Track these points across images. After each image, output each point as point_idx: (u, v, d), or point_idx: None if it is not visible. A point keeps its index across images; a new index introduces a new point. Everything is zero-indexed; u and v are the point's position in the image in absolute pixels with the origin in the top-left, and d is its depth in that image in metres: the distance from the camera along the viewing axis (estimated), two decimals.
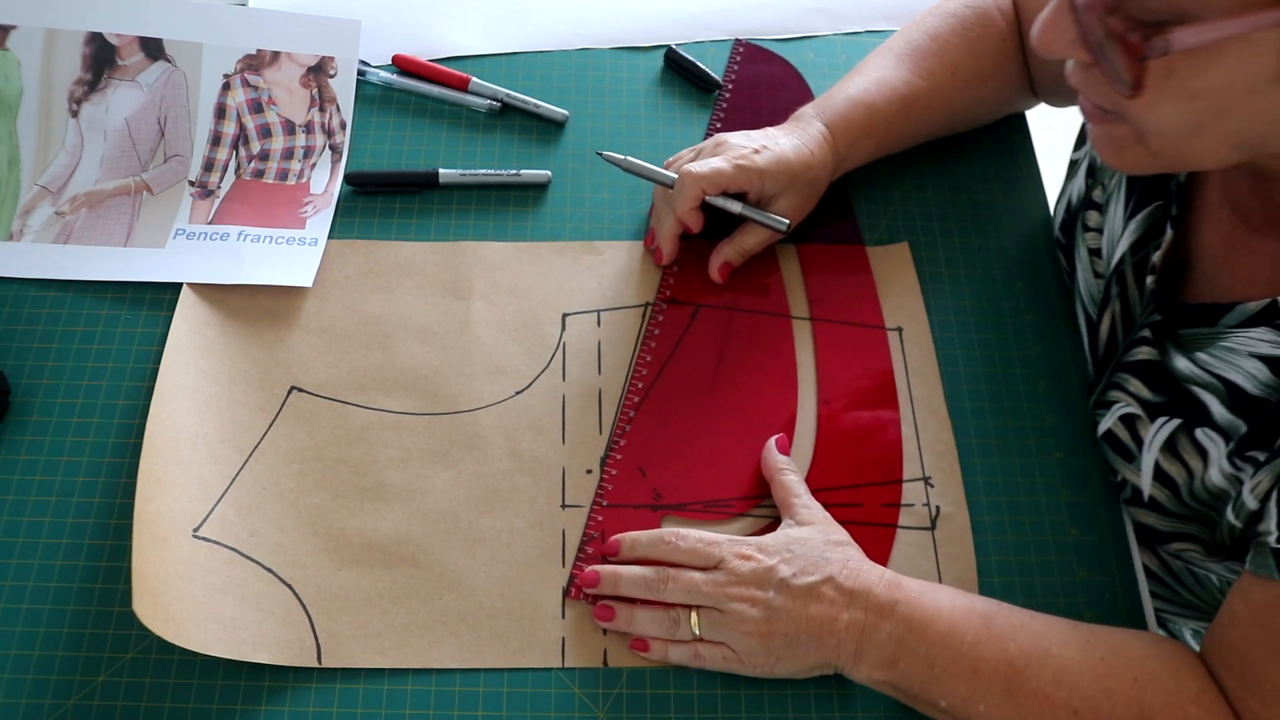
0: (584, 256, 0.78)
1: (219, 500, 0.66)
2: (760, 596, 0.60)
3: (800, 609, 0.59)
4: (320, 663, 0.62)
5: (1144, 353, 0.62)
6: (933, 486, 0.69)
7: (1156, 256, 0.62)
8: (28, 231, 0.77)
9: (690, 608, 0.61)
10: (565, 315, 0.75)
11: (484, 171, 0.81)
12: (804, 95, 0.87)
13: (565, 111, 0.85)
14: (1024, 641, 0.58)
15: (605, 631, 0.63)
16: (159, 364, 0.70)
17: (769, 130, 0.76)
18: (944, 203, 0.82)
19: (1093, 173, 0.71)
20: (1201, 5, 0.45)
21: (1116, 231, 0.66)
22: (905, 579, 0.61)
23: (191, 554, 0.63)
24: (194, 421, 0.68)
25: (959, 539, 0.67)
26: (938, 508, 0.68)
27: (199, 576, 0.62)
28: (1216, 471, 0.57)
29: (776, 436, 0.69)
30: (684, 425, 0.71)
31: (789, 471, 0.67)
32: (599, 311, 0.75)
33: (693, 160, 0.75)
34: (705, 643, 0.61)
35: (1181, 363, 0.58)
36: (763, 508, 0.68)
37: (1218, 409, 0.56)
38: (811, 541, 0.62)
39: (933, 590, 0.60)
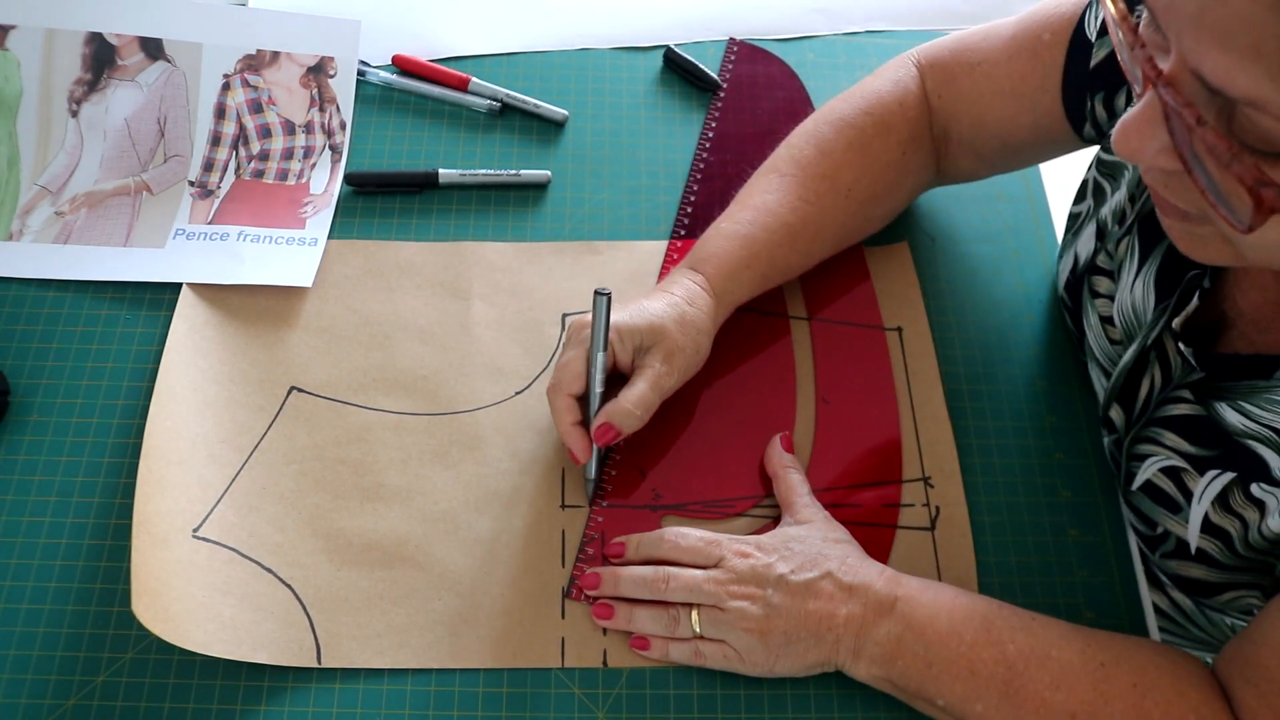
0: (584, 256, 0.78)
1: (219, 500, 0.66)
2: (759, 594, 0.60)
3: (799, 605, 0.59)
4: (320, 663, 0.62)
5: (1183, 408, 0.60)
6: (933, 486, 0.69)
7: (1177, 322, 0.60)
8: (28, 231, 0.77)
9: (691, 606, 0.61)
10: (565, 315, 0.75)
11: (484, 171, 0.81)
12: (800, 95, 0.87)
13: (565, 111, 0.85)
14: (1023, 643, 0.57)
15: (605, 631, 0.63)
16: (159, 364, 0.70)
17: (639, 301, 0.68)
18: (944, 202, 0.82)
19: (1101, 235, 0.68)
20: None
21: (1137, 299, 0.64)
22: (905, 576, 0.61)
23: (191, 554, 0.63)
24: (194, 421, 0.68)
25: (959, 539, 0.67)
26: (938, 508, 0.68)
27: (199, 577, 0.62)
28: (1276, 518, 0.55)
29: (782, 434, 0.69)
30: (684, 425, 0.71)
31: (793, 470, 0.67)
32: None
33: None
34: (705, 640, 0.61)
35: (1231, 416, 0.57)
36: (762, 507, 0.68)
37: (1277, 463, 0.54)
38: (810, 539, 0.62)
39: (933, 588, 0.60)
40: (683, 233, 0.79)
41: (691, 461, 0.70)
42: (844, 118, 0.72)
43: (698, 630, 0.61)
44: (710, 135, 0.84)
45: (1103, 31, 0.64)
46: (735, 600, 0.60)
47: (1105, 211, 0.67)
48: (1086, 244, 0.69)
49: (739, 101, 0.86)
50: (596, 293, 0.63)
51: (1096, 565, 0.67)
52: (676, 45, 0.89)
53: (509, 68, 0.88)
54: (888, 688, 0.60)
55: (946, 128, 0.73)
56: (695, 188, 0.81)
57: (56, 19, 0.81)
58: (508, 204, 0.81)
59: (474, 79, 0.85)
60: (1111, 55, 0.63)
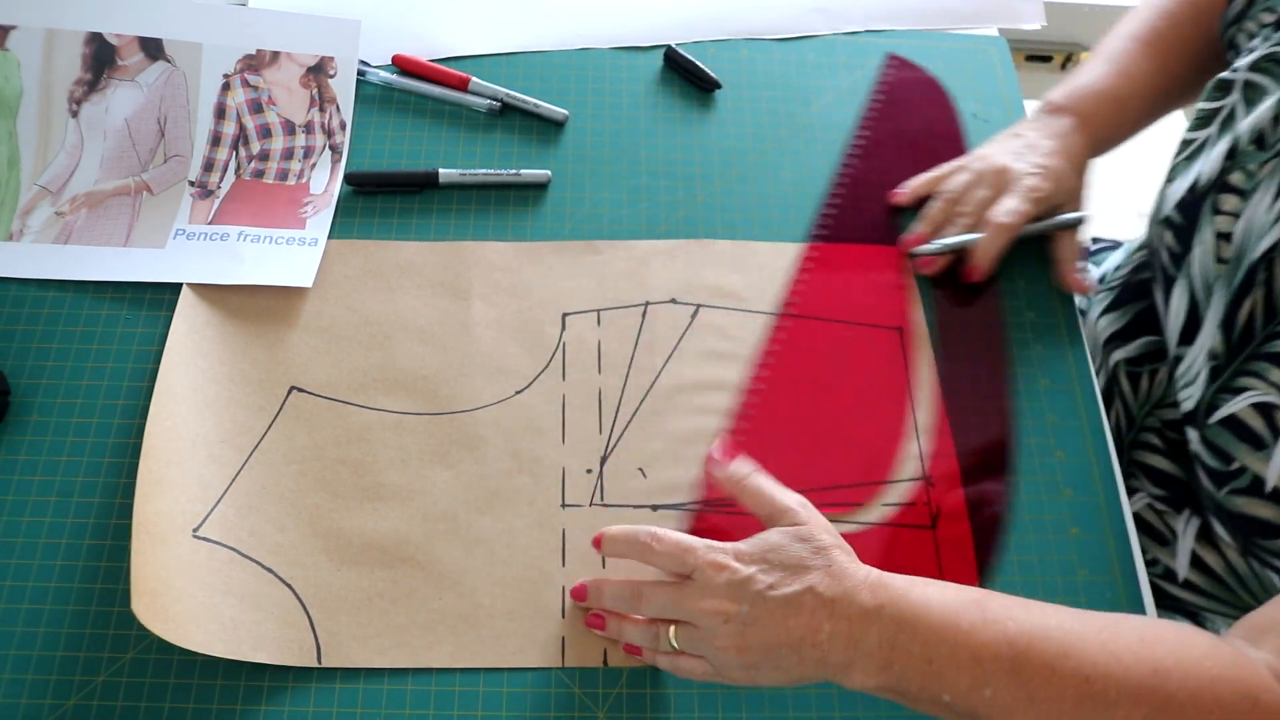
0: (584, 256, 0.78)
1: (219, 500, 0.66)
2: (734, 611, 0.56)
3: (778, 621, 0.56)
4: (320, 663, 0.62)
5: None
6: (933, 485, 0.69)
7: None
8: (28, 231, 0.77)
9: (669, 622, 0.60)
10: (565, 315, 0.75)
11: (484, 171, 0.81)
12: (945, 109, 0.88)
13: (565, 111, 0.85)
14: (1021, 619, 0.55)
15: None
16: (159, 364, 0.70)
17: (1029, 137, 0.79)
18: None
19: (1233, 155, 0.68)
20: None
21: (1263, 220, 0.64)
22: (891, 577, 0.58)
23: (191, 554, 0.63)
24: (194, 421, 0.68)
25: (959, 539, 0.67)
26: (939, 507, 0.68)
27: (199, 576, 0.62)
28: None
29: (716, 446, 0.67)
30: (684, 425, 0.71)
31: (753, 474, 0.62)
32: (599, 311, 0.75)
33: (965, 184, 0.78)
34: (684, 655, 0.60)
35: None
36: None
37: None
38: (791, 548, 0.58)
39: (920, 585, 0.57)
40: (824, 234, 0.80)
41: (692, 462, 0.70)
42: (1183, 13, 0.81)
43: (676, 646, 0.59)
44: (861, 143, 0.85)
45: None
46: (708, 617, 0.57)
47: (1241, 130, 0.68)
48: (1212, 164, 0.69)
49: (891, 110, 0.87)
50: None
51: (1097, 565, 0.67)
52: (677, 45, 0.89)
53: (509, 68, 0.88)
54: (888, 695, 0.57)
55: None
56: (841, 192, 0.82)
57: (56, 19, 0.81)
58: (508, 204, 0.81)
59: (474, 79, 0.85)
60: None
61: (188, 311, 0.73)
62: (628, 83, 0.88)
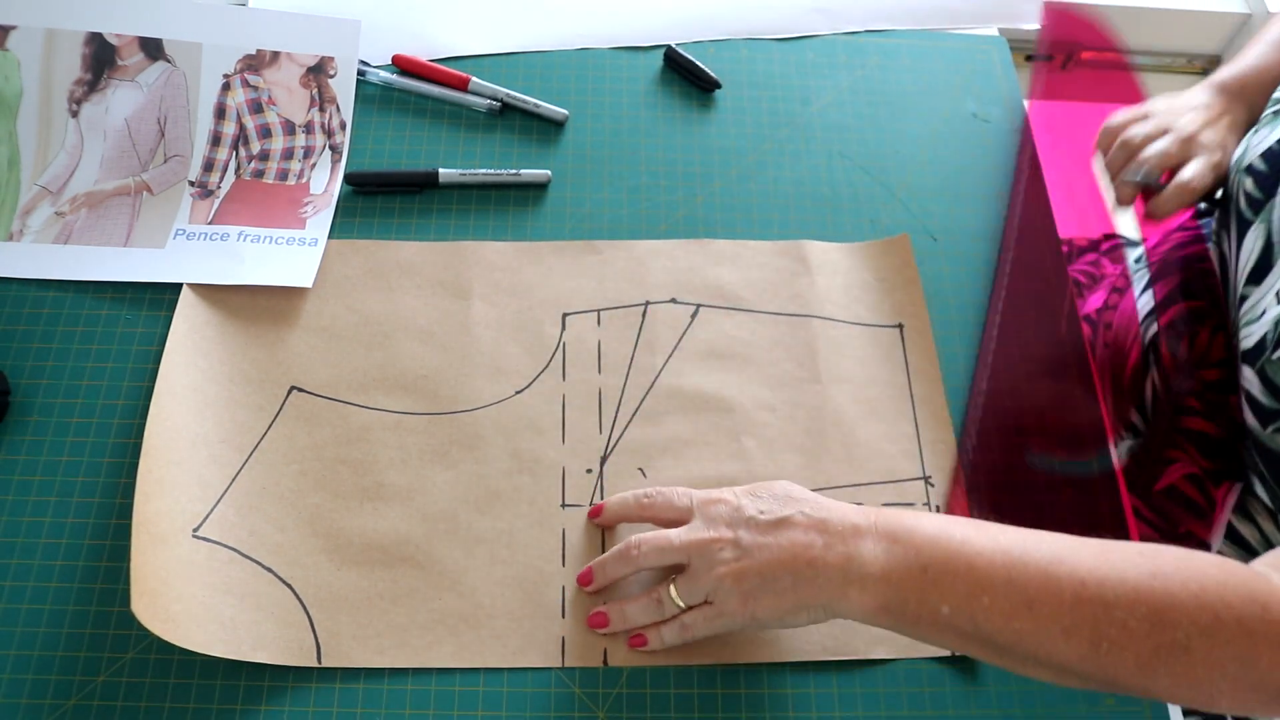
0: (584, 256, 0.78)
1: (219, 500, 0.66)
2: (729, 536, 0.58)
3: (772, 541, 0.57)
4: (320, 662, 0.62)
5: None
6: (933, 486, 0.69)
7: None
8: (28, 231, 0.77)
9: (667, 583, 0.61)
10: (565, 315, 0.75)
11: (484, 171, 0.81)
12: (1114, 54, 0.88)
13: (565, 111, 0.85)
14: (1014, 534, 0.55)
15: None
16: (159, 364, 0.70)
17: (1213, 110, 0.80)
18: (944, 202, 0.82)
19: None
20: None
21: None
22: (881, 508, 0.58)
23: (191, 554, 0.63)
24: (194, 421, 0.68)
25: None
26: (937, 507, 0.68)
27: (199, 576, 0.62)
28: None
29: (589, 512, 0.67)
30: (684, 425, 0.71)
31: (645, 491, 0.65)
32: (599, 311, 0.75)
33: (1145, 135, 0.79)
34: (689, 610, 0.60)
35: None
36: None
37: None
38: (776, 484, 0.60)
39: (910, 511, 0.59)
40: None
41: (692, 462, 0.69)
42: None
43: (680, 604, 0.60)
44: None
45: None
46: (706, 547, 0.58)
47: None
48: None
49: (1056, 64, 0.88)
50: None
51: None
52: (677, 45, 0.89)
53: (509, 68, 0.88)
54: (885, 619, 0.55)
55: None
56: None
57: (56, 19, 0.81)
58: (508, 204, 0.81)
59: (474, 79, 0.85)
60: None
61: (188, 311, 0.73)
62: (628, 83, 0.88)
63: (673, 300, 0.76)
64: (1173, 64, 1.04)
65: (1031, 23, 0.96)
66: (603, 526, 0.67)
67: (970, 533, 0.54)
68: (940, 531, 0.55)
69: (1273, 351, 0.65)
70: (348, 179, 0.81)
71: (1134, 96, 0.83)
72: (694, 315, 0.75)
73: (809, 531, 0.56)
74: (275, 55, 0.83)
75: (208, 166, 0.81)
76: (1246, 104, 0.80)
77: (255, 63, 0.83)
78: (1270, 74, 0.81)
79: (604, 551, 0.66)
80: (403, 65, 0.87)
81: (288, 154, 0.82)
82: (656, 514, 0.63)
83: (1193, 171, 0.76)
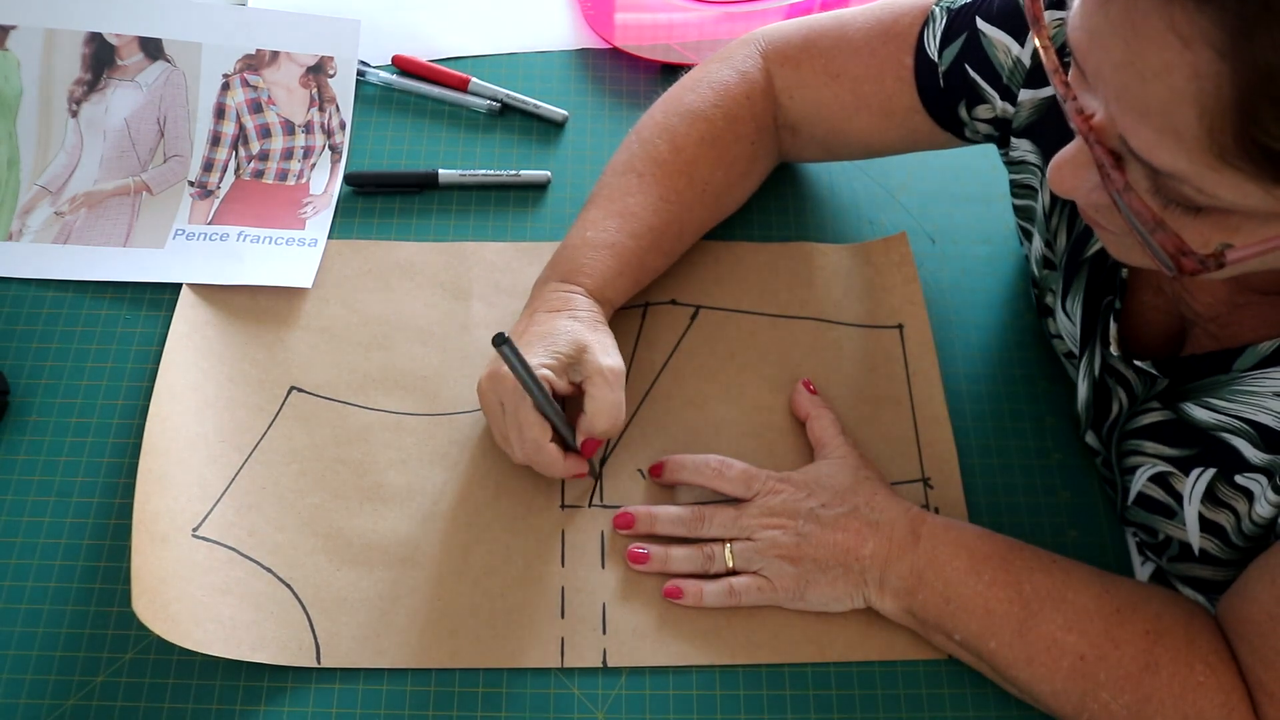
0: None
1: (218, 500, 0.66)
2: (791, 524, 0.63)
3: (828, 536, 0.62)
4: (319, 663, 0.62)
5: (1153, 416, 0.61)
6: (932, 487, 0.69)
7: (1113, 347, 0.62)
8: (27, 231, 0.77)
9: (724, 541, 0.64)
10: None
11: (484, 172, 0.81)
12: None
13: (565, 111, 0.85)
14: (1040, 583, 0.59)
15: (605, 631, 0.64)
16: (159, 364, 0.70)
17: (532, 335, 0.66)
18: (944, 202, 0.82)
19: (1036, 283, 0.71)
20: (1246, 207, 0.42)
21: (1075, 332, 0.66)
22: (930, 514, 0.64)
23: (191, 554, 0.63)
24: (193, 421, 0.68)
25: None
26: (937, 508, 0.68)
27: (198, 576, 0.62)
28: (1263, 504, 0.56)
29: (803, 379, 0.72)
30: (684, 426, 0.71)
31: (825, 410, 0.70)
32: None
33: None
34: (739, 575, 0.63)
35: (1200, 413, 0.58)
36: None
37: (1250, 452, 0.55)
38: (839, 476, 0.65)
39: (955, 527, 0.63)
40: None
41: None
42: (694, 110, 0.72)
43: (731, 564, 0.63)
44: None
45: (943, 44, 0.66)
46: (768, 530, 0.63)
47: (1033, 250, 0.70)
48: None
49: None
50: (497, 342, 0.58)
51: (1095, 565, 0.67)
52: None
53: (509, 68, 0.88)
54: (910, 621, 0.62)
55: (797, 125, 0.74)
56: None
57: (56, 19, 0.81)
58: (508, 204, 0.81)
59: (474, 79, 0.85)
60: (954, 67, 0.66)
61: (187, 311, 0.73)
62: (628, 83, 0.88)
63: (672, 301, 0.76)
64: None
65: None
66: (661, 484, 0.68)
67: (998, 576, 0.60)
68: (971, 569, 0.61)
69: (1125, 501, 0.65)
70: (347, 179, 0.81)
71: None
72: (694, 317, 0.75)
73: (861, 533, 0.63)
74: (275, 55, 0.83)
75: (207, 166, 0.81)
76: (575, 282, 0.68)
77: (255, 63, 0.83)
78: (590, 242, 0.68)
79: (602, 552, 0.66)
80: (403, 65, 0.87)
81: (287, 154, 0.82)
82: (726, 487, 0.66)
83: (589, 425, 0.65)
